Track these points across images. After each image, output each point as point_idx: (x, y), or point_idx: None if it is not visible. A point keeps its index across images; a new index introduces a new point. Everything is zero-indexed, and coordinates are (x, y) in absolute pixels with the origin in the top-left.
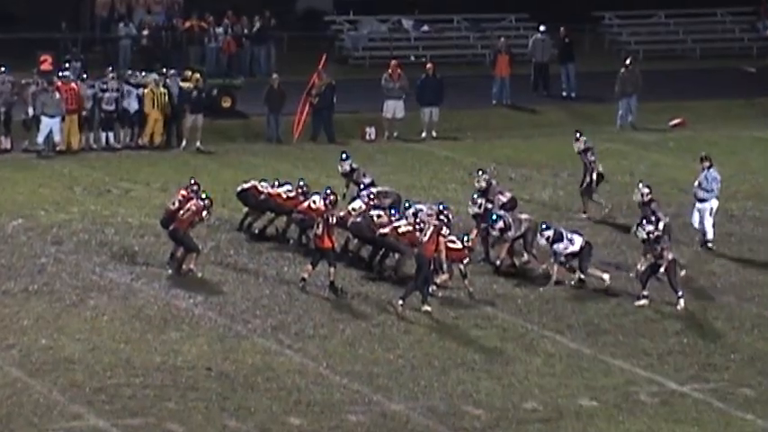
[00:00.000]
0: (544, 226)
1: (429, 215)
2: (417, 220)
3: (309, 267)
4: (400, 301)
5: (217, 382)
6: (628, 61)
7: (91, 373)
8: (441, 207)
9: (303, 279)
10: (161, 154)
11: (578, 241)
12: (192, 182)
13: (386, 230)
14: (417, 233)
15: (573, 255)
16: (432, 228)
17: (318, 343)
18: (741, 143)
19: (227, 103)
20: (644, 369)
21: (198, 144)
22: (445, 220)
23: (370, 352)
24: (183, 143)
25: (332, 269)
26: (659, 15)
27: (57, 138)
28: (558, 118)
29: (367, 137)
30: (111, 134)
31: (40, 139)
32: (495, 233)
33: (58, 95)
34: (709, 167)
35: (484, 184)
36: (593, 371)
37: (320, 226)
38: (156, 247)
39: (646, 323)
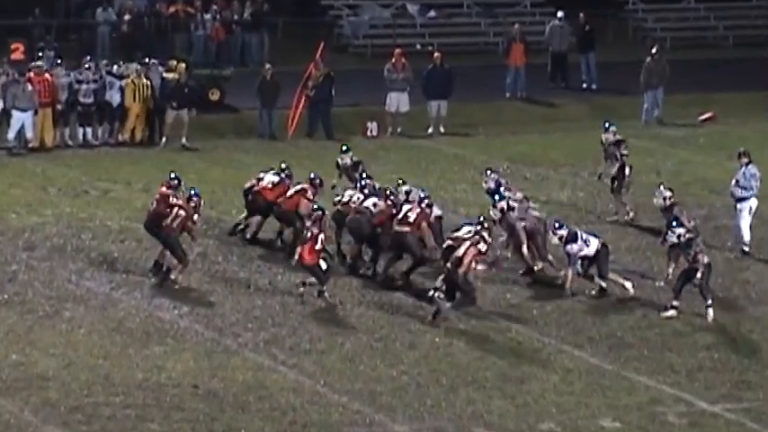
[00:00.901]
0: (557, 224)
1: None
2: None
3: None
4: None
5: (204, 401)
6: (654, 50)
7: (66, 392)
8: (423, 195)
9: (303, 284)
10: (143, 151)
11: (594, 244)
12: (173, 176)
13: (405, 228)
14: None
15: (589, 259)
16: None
17: (315, 358)
18: None
19: (215, 96)
20: (671, 387)
21: (184, 141)
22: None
23: (372, 368)
24: (164, 140)
25: (324, 289)
26: (689, 0)
27: (29, 134)
28: (577, 112)
29: (368, 133)
30: (88, 129)
31: (11, 135)
32: (495, 214)
33: (30, 87)
34: (747, 164)
35: (492, 185)
36: (615, 389)
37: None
38: (137, 254)
39: (673, 336)
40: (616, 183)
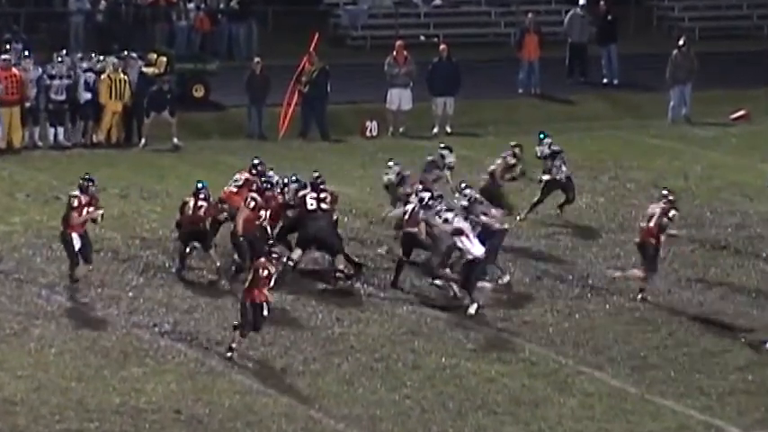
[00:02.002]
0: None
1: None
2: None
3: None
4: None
5: (187, 427)
6: (681, 42)
7: (35, 417)
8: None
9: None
10: (120, 153)
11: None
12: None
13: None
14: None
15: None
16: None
17: (309, 381)
18: None
19: (199, 93)
20: (701, 412)
21: (175, 141)
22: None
23: (372, 391)
24: (143, 141)
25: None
26: None
27: None
28: (596, 109)
29: (368, 132)
30: (60, 129)
31: None
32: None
33: None
34: None
35: (393, 178)
36: (639, 414)
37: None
38: (113, 266)
39: (702, 356)
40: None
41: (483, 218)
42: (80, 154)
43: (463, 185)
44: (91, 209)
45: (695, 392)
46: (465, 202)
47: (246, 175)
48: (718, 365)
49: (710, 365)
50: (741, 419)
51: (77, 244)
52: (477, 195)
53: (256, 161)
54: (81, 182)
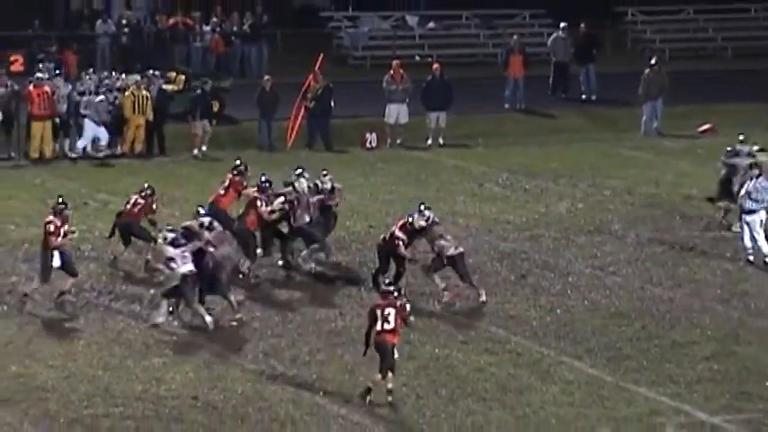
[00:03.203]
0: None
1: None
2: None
3: None
4: None
5: (203, 412)
6: (653, 61)
7: (66, 403)
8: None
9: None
10: (142, 162)
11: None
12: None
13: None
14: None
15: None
16: None
17: (315, 370)
18: None
19: (215, 108)
20: (671, 398)
21: (204, 149)
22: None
23: (371, 380)
24: (198, 150)
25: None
26: (687, 11)
27: (102, 142)
28: (576, 123)
29: (368, 144)
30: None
31: (82, 144)
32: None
33: (101, 100)
34: (758, 176)
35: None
36: (614, 400)
37: None
38: (137, 265)
39: (672, 348)
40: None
41: (440, 242)
42: (106, 163)
43: (422, 206)
44: (66, 228)
45: (666, 380)
46: (423, 222)
47: (230, 176)
48: (687, 356)
49: (679, 356)
50: (707, 405)
51: (57, 262)
52: (436, 219)
53: (237, 162)
54: (55, 206)
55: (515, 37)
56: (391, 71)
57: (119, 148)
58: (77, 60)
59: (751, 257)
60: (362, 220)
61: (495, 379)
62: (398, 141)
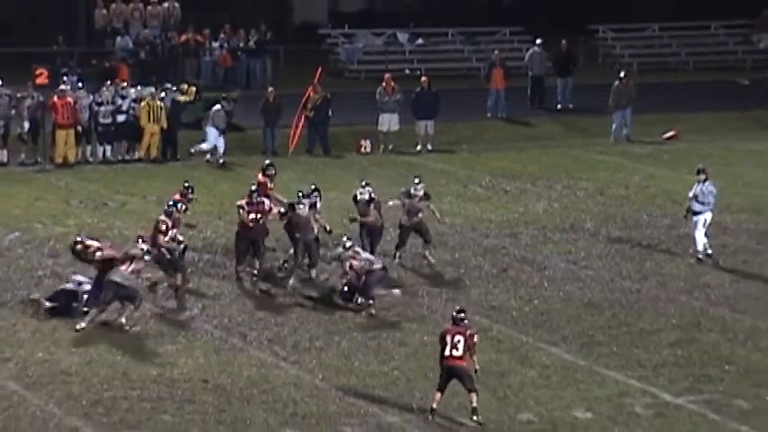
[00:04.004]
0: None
1: None
2: None
3: None
4: None
5: (213, 394)
6: (622, 74)
7: (88, 386)
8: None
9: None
10: (156, 167)
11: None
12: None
13: None
14: None
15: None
16: None
17: (314, 355)
18: (735, 155)
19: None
20: (638, 381)
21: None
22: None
23: (366, 364)
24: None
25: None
26: (653, 28)
27: (221, 150)
28: (552, 131)
29: (362, 150)
30: (107, 147)
31: (207, 146)
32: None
33: (222, 112)
34: (704, 180)
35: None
36: (587, 382)
37: None
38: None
39: (640, 335)
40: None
41: (352, 262)
42: (124, 168)
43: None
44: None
45: (634, 365)
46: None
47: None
48: (653, 342)
49: (647, 342)
50: (672, 387)
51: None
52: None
53: (186, 184)
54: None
55: (496, 52)
56: (383, 83)
57: (135, 153)
58: (129, 72)
59: (701, 256)
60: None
61: (478, 363)
62: (390, 147)
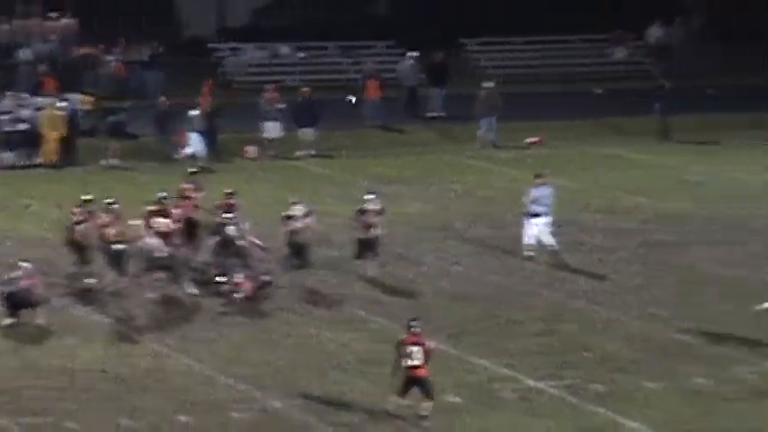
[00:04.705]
0: None
1: None
2: None
3: None
4: None
5: (112, 383)
6: (487, 84)
7: None
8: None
9: None
10: (57, 172)
11: None
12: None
13: None
14: None
15: None
16: None
17: (206, 347)
18: (591, 160)
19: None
20: (505, 367)
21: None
22: None
23: (255, 355)
24: (106, 161)
25: None
26: (517, 42)
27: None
28: (426, 137)
29: (248, 155)
30: (10, 154)
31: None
32: None
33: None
34: (542, 184)
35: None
36: (459, 370)
37: None
38: (54, 259)
39: (506, 326)
40: None
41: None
42: (26, 173)
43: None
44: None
45: (501, 353)
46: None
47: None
48: (518, 332)
49: (512, 333)
50: (535, 373)
51: None
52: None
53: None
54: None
55: (370, 64)
56: (267, 94)
57: (36, 159)
58: (56, 83)
59: (531, 254)
60: (248, 219)
61: (357, 353)
62: (273, 153)
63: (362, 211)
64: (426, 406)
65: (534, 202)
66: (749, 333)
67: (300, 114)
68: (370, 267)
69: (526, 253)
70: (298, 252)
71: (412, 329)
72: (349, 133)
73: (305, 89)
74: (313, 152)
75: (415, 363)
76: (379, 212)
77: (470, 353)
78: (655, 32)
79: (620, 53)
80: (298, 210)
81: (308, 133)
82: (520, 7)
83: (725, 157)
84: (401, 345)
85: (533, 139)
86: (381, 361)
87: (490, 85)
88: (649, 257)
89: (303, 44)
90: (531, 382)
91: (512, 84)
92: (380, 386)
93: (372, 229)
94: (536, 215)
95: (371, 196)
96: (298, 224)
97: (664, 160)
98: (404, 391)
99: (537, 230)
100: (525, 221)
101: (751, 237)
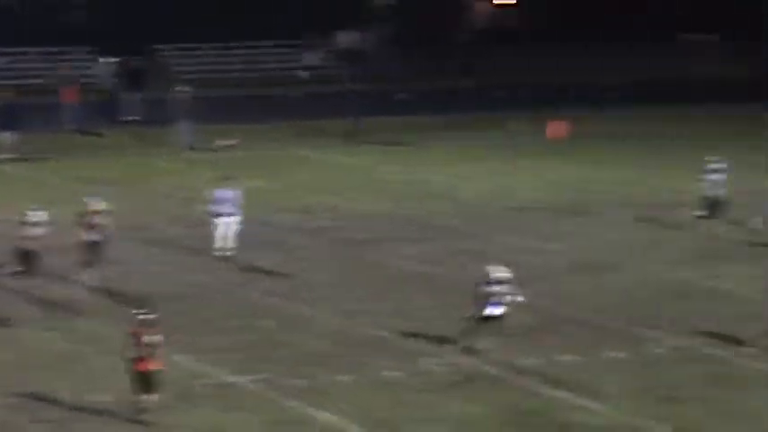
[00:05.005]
0: None
1: None
2: None
3: None
4: None
5: None
6: (179, 87)
7: None
8: None
9: None
10: None
11: None
12: None
13: None
14: None
15: None
16: None
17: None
18: (286, 161)
19: None
20: (204, 364)
21: None
22: None
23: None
24: None
25: None
26: (213, 47)
27: None
28: (125, 140)
29: None
30: None
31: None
32: None
33: None
34: (225, 186)
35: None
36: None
37: None
38: None
39: (204, 323)
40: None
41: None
42: None
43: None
44: None
45: (203, 350)
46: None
47: None
48: (216, 329)
49: (210, 329)
50: (236, 367)
51: None
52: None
53: None
54: None
55: (68, 70)
56: None
57: None
58: None
59: (221, 254)
60: None
61: (54, 351)
62: None
63: (85, 214)
64: (147, 399)
65: (217, 202)
66: (441, 328)
67: (3, 118)
68: (92, 272)
69: (216, 253)
70: (25, 259)
71: (140, 320)
72: (54, 138)
73: (6, 93)
74: (14, 156)
75: (141, 355)
76: (105, 214)
77: (174, 350)
78: (344, 38)
79: (312, 58)
80: (36, 216)
81: (8, 137)
82: (216, 14)
83: (416, 158)
84: (130, 336)
85: (228, 142)
86: (79, 357)
87: (185, 89)
88: (346, 255)
89: (3, 49)
90: (230, 378)
91: (209, 87)
92: (85, 383)
93: (95, 233)
94: (219, 215)
95: (95, 198)
96: (32, 231)
97: (355, 161)
98: (139, 388)
99: (224, 231)
100: (212, 222)
101: (439, 234)
